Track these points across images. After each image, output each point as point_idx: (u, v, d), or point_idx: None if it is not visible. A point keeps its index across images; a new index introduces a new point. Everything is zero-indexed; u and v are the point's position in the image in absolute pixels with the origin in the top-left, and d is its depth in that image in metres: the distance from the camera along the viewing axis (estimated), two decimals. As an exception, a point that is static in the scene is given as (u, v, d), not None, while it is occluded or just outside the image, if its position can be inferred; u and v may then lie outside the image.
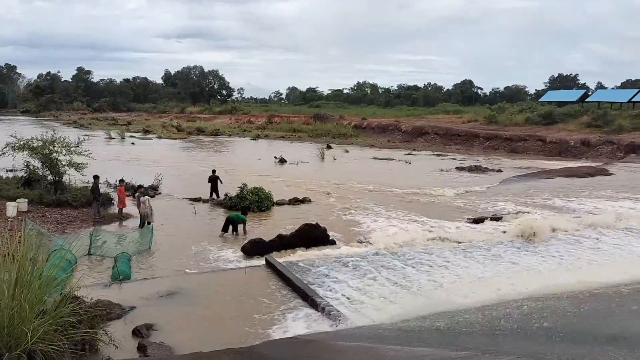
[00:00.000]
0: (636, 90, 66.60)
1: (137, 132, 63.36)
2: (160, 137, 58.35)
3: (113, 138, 54.22)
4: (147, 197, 16.94)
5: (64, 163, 19.47)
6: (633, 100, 62.08)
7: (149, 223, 16.21)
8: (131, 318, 9.07)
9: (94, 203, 17.60)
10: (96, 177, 18.06)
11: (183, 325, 9.01)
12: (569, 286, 11.29)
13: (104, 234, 14.96)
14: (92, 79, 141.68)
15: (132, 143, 50.11)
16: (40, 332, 6.01)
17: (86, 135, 24.00)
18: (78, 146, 19.86)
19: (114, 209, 18.49)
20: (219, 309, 9.82)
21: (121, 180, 19.00)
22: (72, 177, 20.31)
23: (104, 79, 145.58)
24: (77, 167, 19.46)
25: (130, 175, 22.75)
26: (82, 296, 7.91)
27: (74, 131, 51.25)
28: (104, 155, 31.90)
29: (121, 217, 17.67)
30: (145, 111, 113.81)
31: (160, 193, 22.26)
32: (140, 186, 17.37)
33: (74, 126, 72.16)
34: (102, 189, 19.62)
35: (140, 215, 16.59)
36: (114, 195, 19.15)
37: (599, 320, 9.26)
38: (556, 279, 11.82)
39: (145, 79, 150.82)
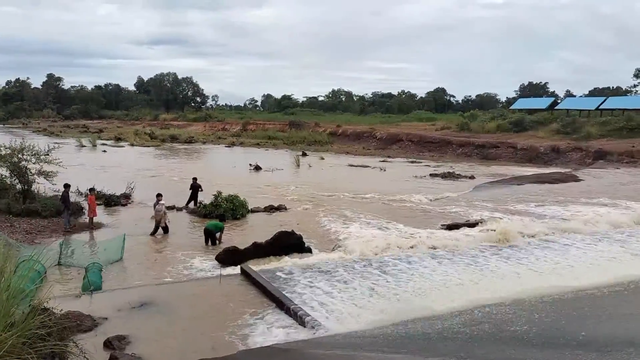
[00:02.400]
0: (603, 98, 68.53)
1: (109, 140, 62.48)
2: (132, 145, 57.58)
3: (84, 146, 53.28)
4: (162, 203, 17.09)
5: (33, 171, 19.07)
6: (601, 108, 63.82)
7: (164, 227, 16.77)
8: (103, 329, 8.89)
9: (64, 212, 17.21)
10: (67, 186, 17.69)
11: (156, 336, 8.86)
12: (541, 290, 11.47)
13: (75, 243, 14.71)
14: (62, 86, 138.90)
15: (104, 151, 49.40)
16: (7, 346, 5.84)
17: (56, 143, 23.56)
18: (48, 154, 19.47)
19: (85, 219, 18.14)
20: (193, 319, 9.69)
21: (92, 189, 18.65)
22: (42, 186, 19.90)
23: (75, 86, 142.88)
24: (46, 175, 19.06)
25: (102, 184, 22.37)
26: (52, 308, 7.72)
27: (44, 139, 50.31)
28: (75, 164, 31.35)
29: (92, 226, 17.34)
30: (118, 118, 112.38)
31: (132, 201, 21.96)
32: (159, 194, 17.39)
33: (43, 134, 70.84)
34: (73, 197, 19.24)
35: (156, 221, 16.83)
36: (85, 204, 18.79)
37: (570, 324, 9.43)
38: (528, 284, 12.01)
39: (118, 85, 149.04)
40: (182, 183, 23.41)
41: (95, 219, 17.59)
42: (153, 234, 16.67)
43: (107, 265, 13.02)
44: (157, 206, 17.04)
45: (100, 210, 18.96)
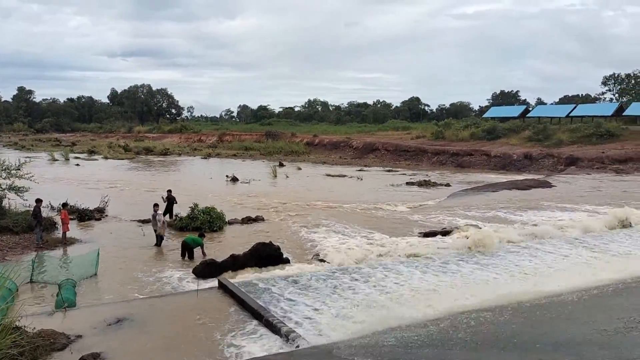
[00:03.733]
0: (573, 106, 70.28)
1: (82, 153, 61.57)
2: (106, 158, 56.84)
3: (57, 159, 52.34)
4: (160, 212, 17.21)
5: (3, 187, 18.64)
6: (571, 115, 65.38)
7: (161, 237, 16.81)
8: (77, 347, 8.71)
9: (36, 228, 16.83)
10: (38, 201, 17.33)
11: (132, 353, 8.72)
12: (517, 296, 11.62)
13: (47, 259, 14.42)
14: (34, 99, 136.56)
15: (77, 164, 48.55)
16: (-23, 368, 5.69)
17: (28, 157, 23.11)
18: (19, 169, 19.07)
19: (58, 234, 17.77)
20: (170, 334, 9.56)
21: (64, 204, 18.31)
22: (13, 202, 19.46)
23: (46, 99, 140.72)
24: (17, 190, 18.65)
25: (75, 198, 21.99)
26: (24, 326, 7.56)
27: (15, 153, 49.32)
28: (47, 178, 30.77)
29: (65, 242, 17.00)
30: (91, 131, 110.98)
31: (106, 215, 21.60)
32: (156, 204, 17.44)
33: (14, 148, 69.43)
34: (45, 213, 18.85)
35: (156, 232, 16.88)
36: (58, 219, 18.40)
37: (545, 329, 9.56)
38: (505, 289, 12.15)
39: (91, 98, 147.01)
40: (157, 196, 23.07)
41: (68, 234, 17.24)
42: (158, 244, 16.85)
43: (81, 281, 12.77)
44: (157, 217, 16.97)
45: (73, 225, 18.61)
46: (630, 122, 60.24)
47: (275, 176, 39.31)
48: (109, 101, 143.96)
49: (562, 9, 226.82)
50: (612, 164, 42.84)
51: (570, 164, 44.45)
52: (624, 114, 62.35)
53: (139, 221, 20.35)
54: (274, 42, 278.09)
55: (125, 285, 12.84)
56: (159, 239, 16.86)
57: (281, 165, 47.87)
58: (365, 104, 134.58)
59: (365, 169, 46.94)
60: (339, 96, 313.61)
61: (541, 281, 12.95)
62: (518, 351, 8.18)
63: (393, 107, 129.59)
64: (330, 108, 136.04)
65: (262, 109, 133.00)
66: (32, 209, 17.64)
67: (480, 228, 18.89)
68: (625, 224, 19.92)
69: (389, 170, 45.86)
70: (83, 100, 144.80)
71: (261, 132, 79.04)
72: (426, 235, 18.19)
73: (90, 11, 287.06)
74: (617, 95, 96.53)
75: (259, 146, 68.03)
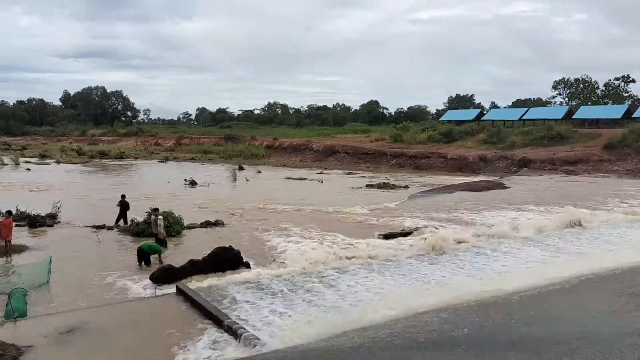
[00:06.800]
0: (525, 109, 72.54)
1: (33, 157, 59.55)
2: (59, 162, 55.12)
3: (6, 164, 50.50)
4: (160, 217, 16.96)
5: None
6: (523, 118, 67.47)
7: (162, 241, 16.46)
8: (28, 358, 8.38)
9: (-18, 236, 16.09)
10: (-15, 207, 16.61)
11: (87, 362, 8.44)
12: (474, 295, 11.86)
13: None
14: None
15: (28, 169, 46.88)
16: None
17: (-26, 161, 22.18)
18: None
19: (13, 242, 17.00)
20: (127, 342, 9.31)
21: (9, 212, 17.58)
22: (-43, 208, 18.62)
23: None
24: (-37, 196, 17.84)
25: (26, 204, 21.20)
26: (-30, 339, 7.22)
27: (-40, 157, 47.19)
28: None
29: (8, 250, 16.23)
30: (43, 135, 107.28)
31: (59, 221, 20.87)
32: (156, 209, 17.34)
33: (-41, 152, 66.43)
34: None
35: (157, 236, 16.63)
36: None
37: (502, 327, 9.79)
38: (462, 289, 12.38)
39: (42, 100, 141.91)
40: (112, 202, 22.48)
41: (18, 242, 16.54)
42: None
43: (32, 289, 12.29)
44: (157, 221, 16.71)
45: (24, 231, 17.92)
46: (579, 124, 62.59)
47: (235, 180, 39.00)
48: (61, 104, 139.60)
49: (515, 16, 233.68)
50: (562, 166, 44.46)
51: (523, 165, 45.85)
52: (573, 117, 64.75)
53: (94, 227, 19.77)
54: (232, 45, 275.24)
55: (79, 293, 12.43)
56: (163, 243, 16.45)
57: (241, 168, 47.55)
58: (325, 107, 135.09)
59: (325, 171, 47.12)
60: (298, 99, 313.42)
61: (497, 280, 13.27)
62: (475, 350, 8.34)
63: (352, 110, 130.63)
64: (290, 111, 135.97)
65: (221, 112, 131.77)
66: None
67: (438, 229, 19.21)
68: (576, 224, 20.65)
69: (349, 173, 46.17)
70: (34, 102, 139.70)
71: (220, 135, 78.40)
72: (386, 237, 18.35)
73: (40, 10, 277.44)
74: (566, 99, 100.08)
75: (218, 149, 67.41)
